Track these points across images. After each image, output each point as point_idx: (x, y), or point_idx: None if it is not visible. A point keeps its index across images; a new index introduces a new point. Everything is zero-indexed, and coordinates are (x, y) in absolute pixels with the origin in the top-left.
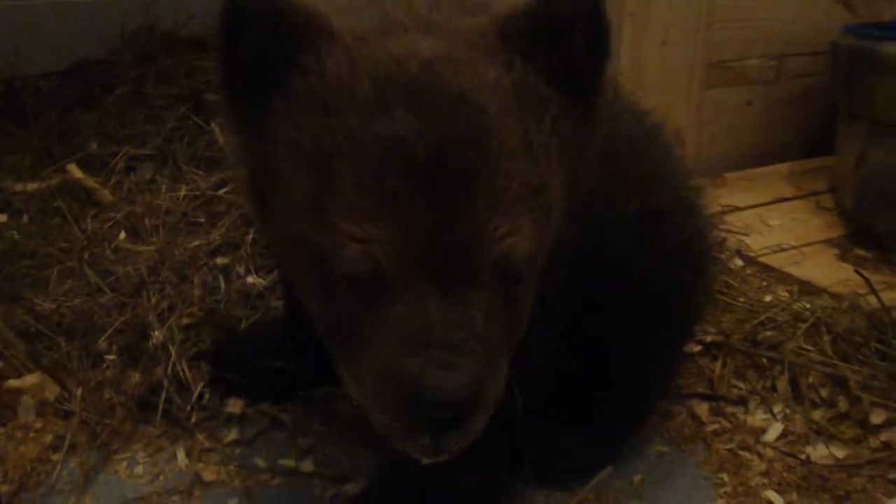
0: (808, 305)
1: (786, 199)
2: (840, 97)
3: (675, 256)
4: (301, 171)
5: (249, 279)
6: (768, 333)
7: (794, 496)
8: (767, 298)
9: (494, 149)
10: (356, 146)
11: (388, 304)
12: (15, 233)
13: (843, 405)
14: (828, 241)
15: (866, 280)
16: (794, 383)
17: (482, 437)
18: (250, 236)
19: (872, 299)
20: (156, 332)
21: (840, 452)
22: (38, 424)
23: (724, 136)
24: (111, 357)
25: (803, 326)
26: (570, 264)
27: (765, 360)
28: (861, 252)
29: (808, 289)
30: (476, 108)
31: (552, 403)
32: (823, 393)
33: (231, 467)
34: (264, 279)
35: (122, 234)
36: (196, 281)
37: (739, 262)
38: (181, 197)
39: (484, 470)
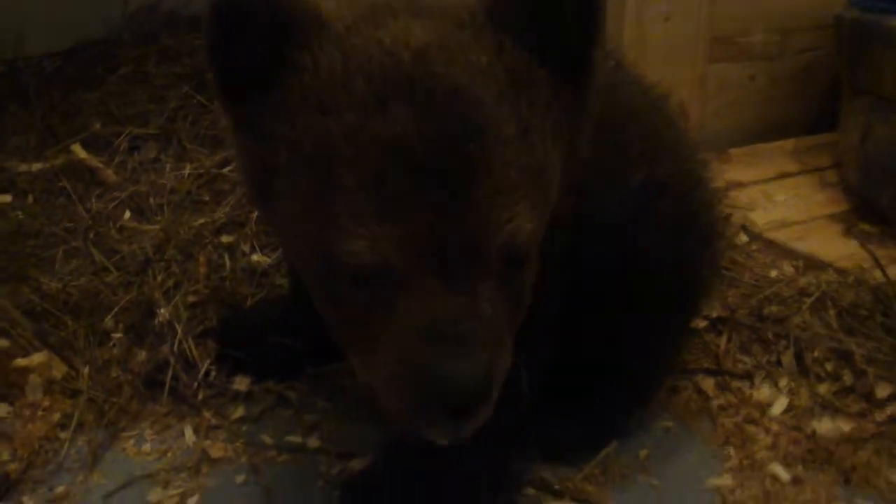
0: (813, 280)
1: (790, 175)
2: (844, 72)
3: (680, 230)
4: (302, 171)
5: (255, 257)
6: (773, 308)
7: (800, 469)
8: (773, 273)
9: (492, 138)
10: (355, 146)
11: (396, 300)
12: (20, 213)
13: (848, 379)
14: (832, 217)
15: (871, 254)
16: (799, 357)
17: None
18: (255, 215)
19: (877, 273)
20: (162, 311)
21: (845, 426)
22: (46, 403)
23: (727, 112)
24: (118, 335)
25: (808, 301)
26: (574, 238)
27: (770, 335)
28: (866, 227)
29: (812, 264)
30: (471, 99)
31: (558, 379)
32: (829, 367)
33: (238, 444)
34: (269, 257)
35: (127, 214)
36: (201, 259)
37: (744, 238)
38: (185, 176)
39: (489, 446)
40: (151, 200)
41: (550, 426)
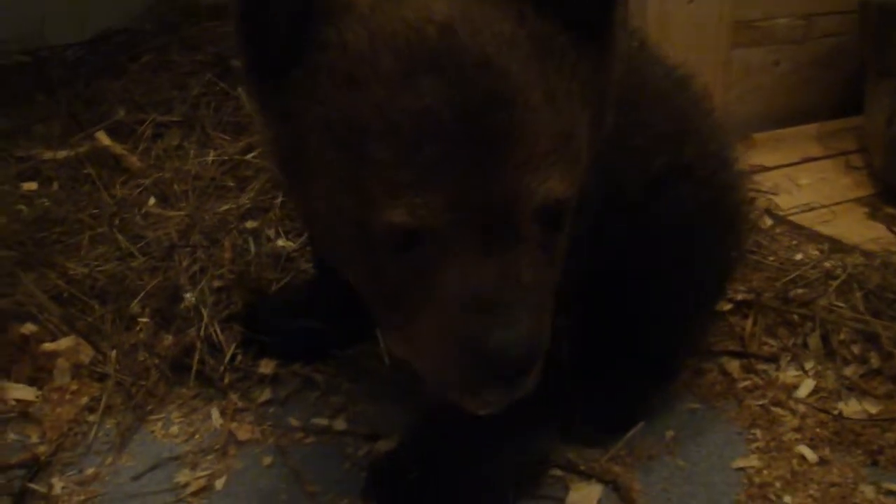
0: (839, 263)
1: (814, 159)
2: (869, 56)
3: (704, 211)
4: (334, 148)
5: (279, 242)
6: (799, 291)
7: (827, 451)
8: (798, 257)
9: (521, 105)
10: (386, 120)
11: (436, 270)
12: (46, 200)
13: (875, 361)
14: (857, 200)
15: None
16: (825, 340)
17: None
18: (279, 200)
19: None
20: (188, 295)
21: (873, 408)
22: (74, 387)
23: (751, 97)
24: (144, 320)
25: (834, 283)
26: (598, 217)
27: (796, 318)
28: (891, 210)
29: (838, 247)
30: (498, 69)
31: (583, 361)
32: (855, 349)
33: (265, 426)
34: (294, 242)
35: (152, 200)
36: (226, 244)
37: (769, 222)
38: (209, 162)
39: (515, 427)
40: (175, 187)
41: (576, 406)
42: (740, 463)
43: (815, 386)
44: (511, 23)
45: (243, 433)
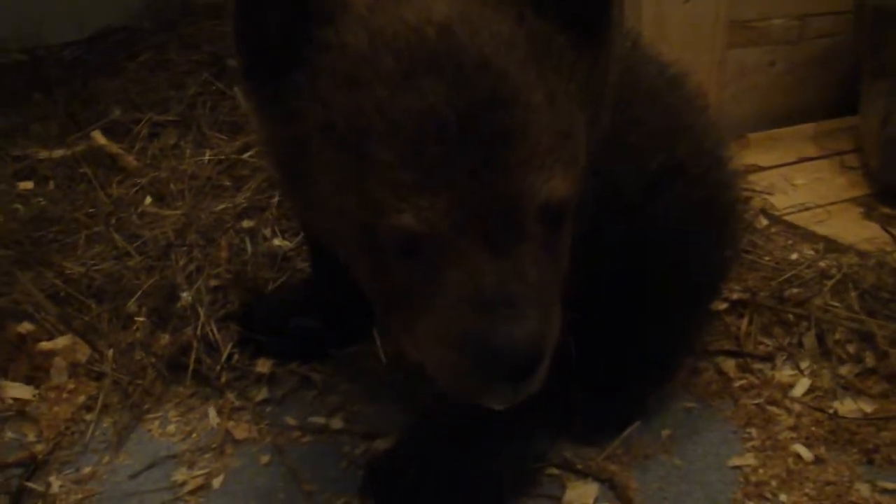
0: (834, 262)
1: (810, 159)
2: (864, 56)
3: (699, 211)
4: (335, 149)
5: (276, 241)
6: (794, 290)
7: (823, 450)
8: (793, 256)
9: (521, 105)
10: (389, 120)
11: (441, 270)
12: (42, 199)
13: (870, 360)
14: (853, 200)
15: (893, 237)
16: (820, 339)
17: None
18: (275, 199)
19: None
20: (184, 294)
21: (868, 407)
22: (71, 385)
23: (746, 97)
24: (141, 319)
25: (829, 283)
26: (594, 218)
27: (791, 317)
28: (887, 210)
29: (833, 246)
30: (497, 69)
31: (579, 361)
32: (850, 348)
33: (262, 425)
34: (290, 241)
35: (148, 199)
36: (223, 244)
37: (764, 221)
38: (206, 162)
39: (512, 426)
40: (172, 186)
41: (573, 406)
42: (736, 461)
43: (811, 385)
44: (510, 23)
45: (240, 432)
